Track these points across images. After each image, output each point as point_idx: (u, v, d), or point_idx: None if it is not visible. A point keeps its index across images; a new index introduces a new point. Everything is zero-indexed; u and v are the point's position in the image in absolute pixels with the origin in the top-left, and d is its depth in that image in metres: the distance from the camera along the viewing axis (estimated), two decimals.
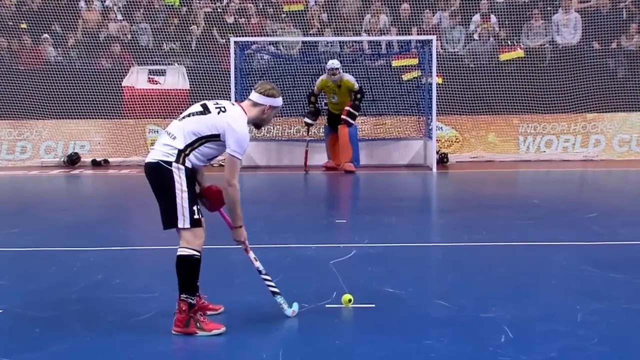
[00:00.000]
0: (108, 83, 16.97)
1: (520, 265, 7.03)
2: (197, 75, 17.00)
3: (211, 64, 17.05)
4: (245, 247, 5.47)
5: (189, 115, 5.23)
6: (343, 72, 14.19)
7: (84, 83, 16.92)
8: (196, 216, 5.10)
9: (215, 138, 5.14)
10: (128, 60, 17.43)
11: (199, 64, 17.16)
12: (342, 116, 13.84)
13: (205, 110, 5.22)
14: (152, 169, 5.13)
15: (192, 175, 5.15)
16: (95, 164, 16.54)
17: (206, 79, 16.85)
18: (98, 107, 16.81)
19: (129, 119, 16.89)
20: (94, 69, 17.23)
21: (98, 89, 16.86)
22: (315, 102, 14.29)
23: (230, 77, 15.44)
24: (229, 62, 15.51)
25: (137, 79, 16.98)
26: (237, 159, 5.11)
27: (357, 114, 14.18)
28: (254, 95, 5.35)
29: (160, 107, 16.83)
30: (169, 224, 5.14)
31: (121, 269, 7.04)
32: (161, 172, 5.07)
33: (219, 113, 5.18)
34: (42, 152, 16.89)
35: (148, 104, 16.84)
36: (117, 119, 16.85)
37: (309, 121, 14.35)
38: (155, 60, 17.35)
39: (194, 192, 5.17)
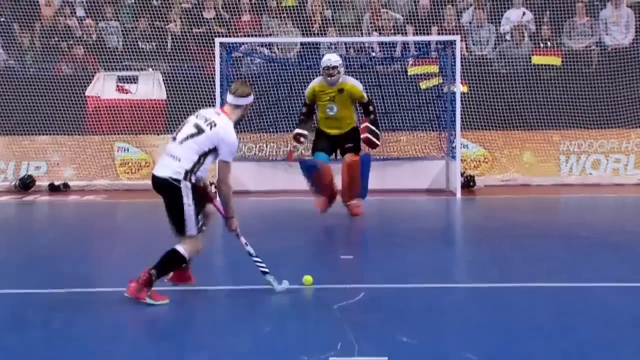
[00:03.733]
0: (69, 92, 17.08)
1: (571, 311, 6.99)
2: (175, 83, 17.17)
3: (192, 69, 17.21)
4: (237, 233, 7.44)
5: (186, 139, 6.97)
6: (346, 74, 12.27)
7: (40, 92, 17.01)
8: (199, 224, 7.06)
9: (213, 151, 7.02)
10: (93, 65, 17.54)
11: (178, 70, 17.33)
12: (364, 134, 11.80)
13: (200, 130, 6.99)
14: (161, 185, 7.02)
15: (196, 186, 6.99)
16: (53, 188, 16.59)
17: (186, 87, 17.02)
18: (57, 121, 16.91)
19: (93, 135, 16.99)
20: (52, 75, 17.28)
21: (57, 100, 16.95)
22: (308, 112, 12.17)
23: (215, 84, 15.53)
24: (214, 67, 15.62)
25: (103, 87, 17.12)
26: (229, 162, 7.10)
27: (379, 133, 12.21)
28: (233, 99, 7.27)
29: (132, 120, 16.97)
30: (179, 232, 7.06)
31: (83, 315, 6.99)
32: (172, 188, 6.94)
33: (210, 128, 7.00)
34: None
35: (117, 117, 16.99)
36: (79, 135, 16.95)
37: (302, 131, 12.06)
38: (126, 65, 17.48)
39: (198, 203, 7.02)
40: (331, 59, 11.80)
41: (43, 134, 16.85)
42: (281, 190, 15.44)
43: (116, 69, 17.35)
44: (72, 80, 17.20)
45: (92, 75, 17.25)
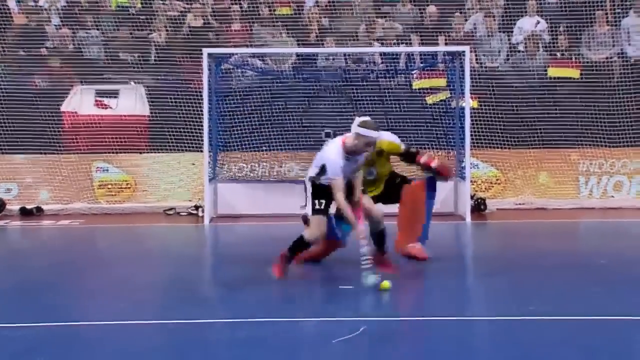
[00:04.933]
0: (43, 107, 17.11)
1: (599, 347, 6.95)
2: (159, 98, 17.22)
3: (178, 83, 17.25)
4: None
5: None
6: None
7: (12, 107, 17.04)
8: (317, 207, 9.32)
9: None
10: (70, 78, 17.53)
11: (162, 83, 17.37)
12: (433, 163, 10.89)
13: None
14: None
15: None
16: (25, 212, 16.56)
17: (171, 101, 17.06)
18: (30, 138, 16.88)
19: (70, 153, 16.98)
20: (25, 89, 17.31)
21: (30, 116, 16.95)
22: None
23: (203, 99, 15.60)
24: (201, 81, 15.73)
25: (81, 102, 17.17)
26: (334, 179, 9.10)
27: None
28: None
29: (112, 138, 16.96)
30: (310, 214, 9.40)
31: (61, 351, 6.95)
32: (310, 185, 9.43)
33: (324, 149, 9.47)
34: None
35: (96, 134, 17.02)
36: (54, 154, 16.92)
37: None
38: (106, 78, 17.51)
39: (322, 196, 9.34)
40: (373, 134, 9.59)
41: (14, 153, 16.90)
42: (274, 215, 15.36)
43: (95, 82, 17.37)
44: (47, 95, 17.23)
45: (69, 89, 17.28)
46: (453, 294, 9.25)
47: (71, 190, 16.87)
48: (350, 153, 9.26)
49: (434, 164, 10.84)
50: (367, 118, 9.40)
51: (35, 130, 16.86)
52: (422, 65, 17.28)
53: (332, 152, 9.32)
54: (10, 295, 9.13)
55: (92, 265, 11.25)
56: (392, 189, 10.82)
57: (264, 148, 16.67)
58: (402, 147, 10.85)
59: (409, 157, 10.97)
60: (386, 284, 8.84)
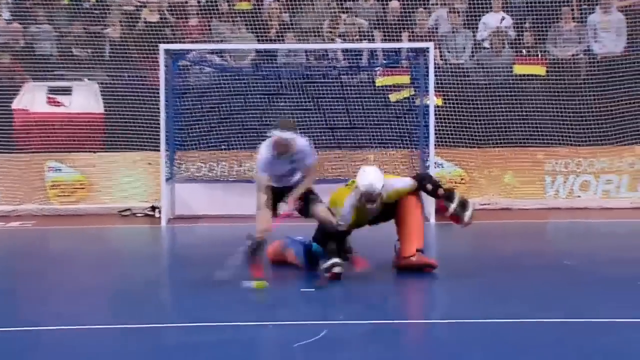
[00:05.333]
0: None
1: (577, 349, 7.04)
2: (114, 95, 17.18)
3: (133, 80, 17.17)
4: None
5: None
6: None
7: None
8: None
9: None
10: (20, 75, 17.49)
11: (117, 80, 17.32)
12: (447, 214, 10.51)
13: None
14: None
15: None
16: None
17: (127, 99, 17.02)
18: None
19: (21, 152, 16.93)
20: None
21: None
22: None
23: (159, 96, 15.62)
24: (158, 77, 15.72)
25: (33, 99, 17.09)
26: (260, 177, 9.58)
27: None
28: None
29: (65, 136, 16.91)
30: None
31: (10, 358, 6.96)
32: None
33: None
34: None
35: (48, 132, 16.95)
36: (5, 152, 16.95)
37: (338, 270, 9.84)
38: (58, 75, 17.43)
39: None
40: (376, 185, 9.83)
41: None
42: (233, 215, 15.30)
43: (47, 78, 17.30)
44: None
45: (20, 86, 17.22)
46: (415, 297, 9.28)
47: (22, 191, 16.75)
48: (278, 153, 9.49)
49: (448, 214, 10.48)
50: (286, 119, 10.08)
51: None
52: (385, 62, 17.31)
53: (262, 149, 9.62)
54: None
55: (44, 269, 11.15)
56: (387, 207, 10.35)
57: (223, 147, 16.68)
58: (410, 185, 10.38)
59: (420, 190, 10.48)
60: (261, 284, 9.14)
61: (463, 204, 10.39)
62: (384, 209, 10.25)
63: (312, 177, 9.96)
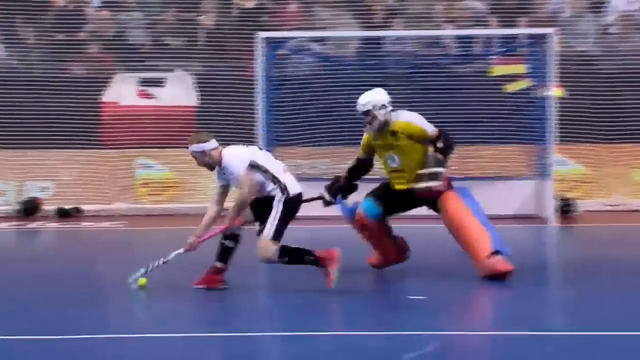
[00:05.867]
0: (81, 98, 17.24)
1: None
2: (208, 86, 17.34)
3: (229, 70, 17.35)
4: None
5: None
6: (399, 108, 10.77)
7: (47, 98, 17.13)
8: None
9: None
10: (110, 65, 17.70)
11: (212, 71, 17.49)
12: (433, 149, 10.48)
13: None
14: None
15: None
16: (62, 213, 16.67)
17: (221, 91, 17.16)
18: (66, 132, 17.02)
19: (110, 148, 17.13)
20: (61, 77, 17.42)
21: (66, 107, 17.08)
22: (356, 167, 11.00)
23: (256, 88, 15.77)
24: (255, 68, 15.90)
25: (122, 91, 17.31)
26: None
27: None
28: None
29: (156, 131, 17.09)
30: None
31: None
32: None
33: None
34: None
35: (138, 127, 17.13)
36: (93, 148, 17.10)
37: (327, 197, 11.02)
38: (150, 66, 17.63)
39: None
40: (360, 101, 10.52)
41: (50, 148, 17.01)
42: (335, 217, 15.29)
43: (138, 69, 17.51)
44: (85, 84, 17.37)
45: (109, 78, 17.44)
46: (534, 306, 9.18)
47: (112, 189, 16.97)
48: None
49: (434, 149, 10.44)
50: (200, 132, 10.78)
51: (73, 122, 16.97)
52: (501, 49, 17.15)
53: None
54: (38, 306, 9.15)
55: (133, 272, 11.22)
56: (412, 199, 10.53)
57: (325, 143, 16.70)
58: (429, 132, 10.39)
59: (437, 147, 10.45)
60: (142, 281, 9.56)
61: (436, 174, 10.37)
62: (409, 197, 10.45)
63: (234, 208, 9.46)
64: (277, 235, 9.29)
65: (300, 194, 9.53)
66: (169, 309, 8.92)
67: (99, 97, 17.28)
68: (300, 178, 15.91)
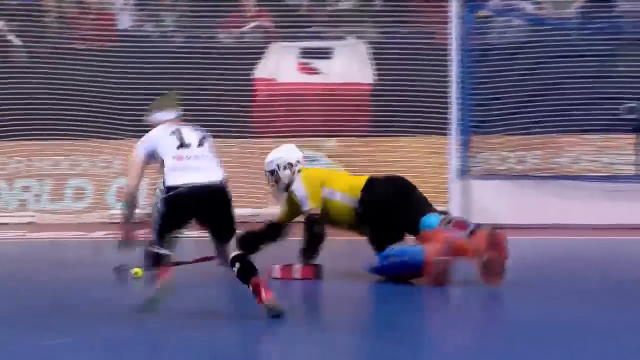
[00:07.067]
0: (227, 73, 17.20)
1: None
2: (386, 59, 17.24)
3: (413, 38, 17.11)
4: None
5: (202, 140, 9.09)
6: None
7: (187, 73, 17.06)
8: None
9: None
10: (265, 33, 17.59)
11: (391, 38, 17.47)
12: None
13: (203, 133, 9.23)
14: (222, 191, 8.94)
15: None
16: None
17: (403, 64, 16.99)
18: (211, 118, 16.56)
19: (263, 137, 17.01)
20: (203, 48, 17.55)
21: (211, 84, 17.01)
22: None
23: (449, 61, 15.67)
24: (447, 35, 15.91)
25: (280, 65, 17.22)
26: None
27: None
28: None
29: (322, 116, 17.07)
30: (230, 237, 8.95)
31: None
32: (227, 192, 8.97)
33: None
34: (111, 197, 17.09)
35: (299, 110, 17.12)
36: (242, 137, 17.15)
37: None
38: (313, 33, 17.52)
39: None
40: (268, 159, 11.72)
41: None
42: (554, 226, 15.30)
43: (299, 38, 17.48)
44: (232, 55, 17.43)
45: (264, 48, 17.44)
46: None
47: (265, 189, 16.39)
48: None
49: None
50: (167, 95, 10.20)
51: (216, 106, 16.92)
52: None
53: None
54: None
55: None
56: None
57: (537, 130, 16.44)
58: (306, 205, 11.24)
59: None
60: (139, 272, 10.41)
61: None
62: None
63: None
64: None
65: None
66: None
67: (250, 72, 17.25)
68: (504, 175, 15.66)
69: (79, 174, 17.22)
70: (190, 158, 8.99)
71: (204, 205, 8.90)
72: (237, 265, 8.73)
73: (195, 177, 8.86)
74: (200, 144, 9.05)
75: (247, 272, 8.69)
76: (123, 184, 16.82)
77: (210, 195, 8.91)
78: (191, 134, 9.11)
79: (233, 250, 8.90)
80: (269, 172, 11.40)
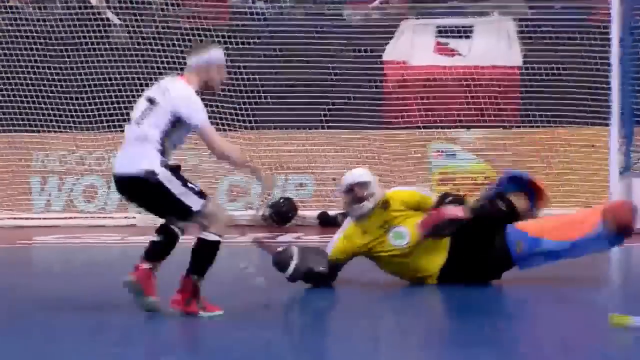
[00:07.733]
0: (353, 55, 17.24)
1: None
2: (536, 38, 17.50)
3: (568, 15, 17.26)
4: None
5: (142, 117, 8.94)
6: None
7: (302, 55, 17.25)
8: (199, 190, 8.94)
9: (178, 123, 8.94)
10: (397, 10, 17.65)
11: (541, 14, 17.90)
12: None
13: (153, 102, 8.95)
14: (134, 184, 8.92)
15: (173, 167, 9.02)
16: (326, 220, 16.75)
17: (555, 45, 17.21)
18: (336, 107, 16.97)
19: (396, 128, 17.02)
20: (325, 27, 17.71)
21: (330, 70, 17.14)
22: None
23: (610, 38, 15.63)
24: (608, 11, 15.84)
25: (412, 45, 17.11)
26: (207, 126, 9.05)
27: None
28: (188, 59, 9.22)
29: (461, 105, 17.09)
30: (185, 218, 8.90)
31: None
32: (148, 185, 8.80)
33: (164, 96, 8.99)
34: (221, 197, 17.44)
35: (436, 97, 17.06)
36: (370, 128, 17.07)
37: None
38: (451, 7, 17.66)
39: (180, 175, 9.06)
40: (354, 173, 11.62)
41: (308, 127, 17.35)
42: None
43: (435, 14, 17.39)
44: (360, 35, 17.55)
45: (394, 27, 17.43)
46: None
47: (397, 183, 16.35)
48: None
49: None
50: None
51: (342, 92, 17.15)
52: None
53: (187, 91, 9.19)
54: None
55: None
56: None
57: None
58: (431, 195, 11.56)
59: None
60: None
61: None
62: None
63: None
64: None
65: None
66: None
67: (380, 54, 17.20)
68: None
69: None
70: (125, 138, 9.21)
71: (125, 195, 9.33)
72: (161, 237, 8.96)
73: (116, 164, 9.10)
74: (139, 122, 8.96)
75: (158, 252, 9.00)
76: (234, 181, 17.06)
77: (129, 187, 9.04)
78: (139, 105, 9.09)
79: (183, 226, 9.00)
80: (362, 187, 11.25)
